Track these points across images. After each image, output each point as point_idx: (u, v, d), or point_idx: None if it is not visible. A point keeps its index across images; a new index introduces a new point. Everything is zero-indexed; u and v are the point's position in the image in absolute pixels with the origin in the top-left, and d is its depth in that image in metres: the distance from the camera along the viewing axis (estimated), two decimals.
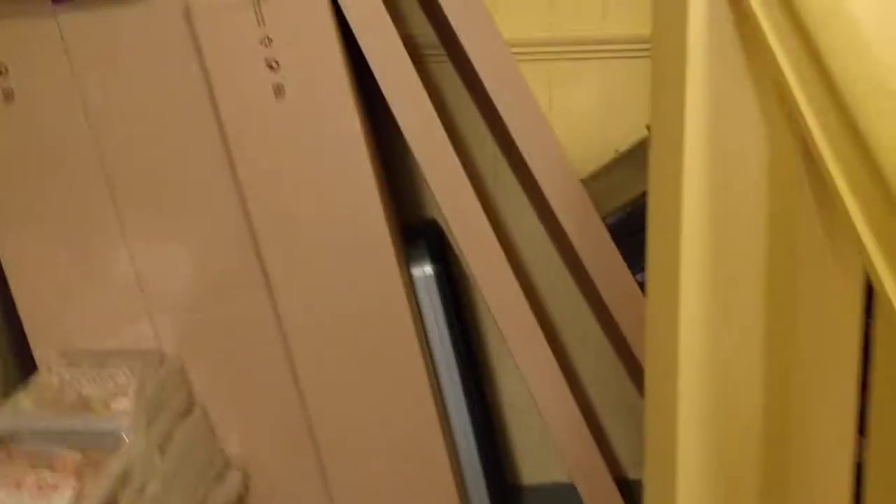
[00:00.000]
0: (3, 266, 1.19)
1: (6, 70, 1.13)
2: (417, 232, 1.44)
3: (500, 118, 1.33)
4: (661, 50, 0.75)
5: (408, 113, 1.18)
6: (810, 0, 0.56)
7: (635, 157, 1.54)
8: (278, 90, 1.12)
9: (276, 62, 1.11)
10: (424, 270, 1.30)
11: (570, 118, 1.60)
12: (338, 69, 1.12)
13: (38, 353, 1.22)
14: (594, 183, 1.52)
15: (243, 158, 1.14)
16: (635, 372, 1.50)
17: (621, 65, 1.59)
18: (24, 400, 1.14)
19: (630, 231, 1.34)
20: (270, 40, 1.11)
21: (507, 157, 1.56)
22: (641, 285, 1.32)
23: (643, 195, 1.34)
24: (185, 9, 1.11)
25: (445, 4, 1.24)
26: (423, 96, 1.19)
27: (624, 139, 1.60)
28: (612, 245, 1.32)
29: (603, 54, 1.59)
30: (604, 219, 1.34)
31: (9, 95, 1.13)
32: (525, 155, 1.31)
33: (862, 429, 0.70)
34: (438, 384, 1.36)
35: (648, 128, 1.56)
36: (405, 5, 1.57)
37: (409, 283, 1.30)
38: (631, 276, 1.31)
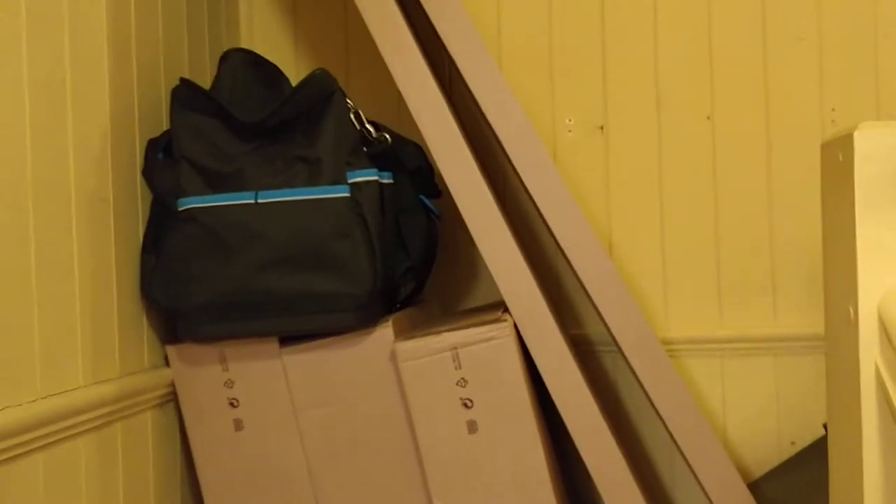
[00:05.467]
0: None
1: (238, 403, 1.30)
2: None
3: (662, 420, 1.39)
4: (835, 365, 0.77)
5: (585, 439, 1.27)
6: None
7: (813, 457, 1.55)
8: (471, 426, 1.24)
9: (471, 401, 1.24)
10: None
11: (743, 411, 1.64)
12: (525, 410, 1.23)
13: None
14: (771, 485, 1.54)
15: (437, 484, 1.25)
16: None
17: (794, 361, 1.63)
18: None
19: None
20: (466, 381, 1.24)
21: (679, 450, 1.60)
22: None
23: None
24: (391, 352, 1.26)
25: (607, 317, 1.34)
26: (600, 422, 1.28)
27: (799, 433, 1.62)
28: None
29: (774, 351, 1.64)
30: None
31: (239, 425, 1.30)
32: (689, 460, 1.36)
33: None
34: None
35: (826, 427, 1.58)
36: (582, 307, 1.69)
37: None
38: None
